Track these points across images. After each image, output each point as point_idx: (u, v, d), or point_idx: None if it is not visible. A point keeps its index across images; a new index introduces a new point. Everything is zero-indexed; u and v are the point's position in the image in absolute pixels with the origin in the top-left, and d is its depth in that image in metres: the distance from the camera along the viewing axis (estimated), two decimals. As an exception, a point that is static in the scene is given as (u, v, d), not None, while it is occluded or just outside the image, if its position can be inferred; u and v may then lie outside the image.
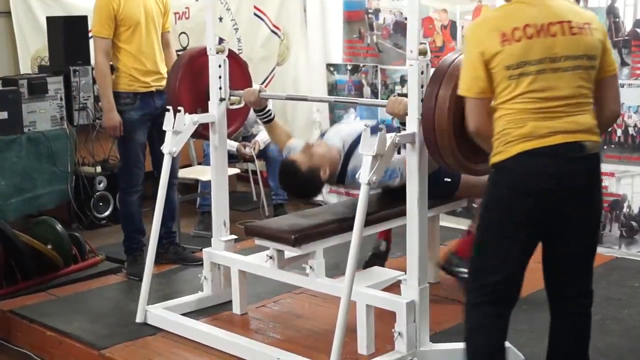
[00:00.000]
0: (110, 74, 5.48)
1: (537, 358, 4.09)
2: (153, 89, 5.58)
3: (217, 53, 4.85)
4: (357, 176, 3.82)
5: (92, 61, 6.89)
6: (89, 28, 6.99)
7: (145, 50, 5.54)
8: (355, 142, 4.38)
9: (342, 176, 4.48)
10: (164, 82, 5.57)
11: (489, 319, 3.40)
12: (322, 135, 4.79)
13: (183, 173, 6.64)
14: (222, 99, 4.88)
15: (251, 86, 4.96)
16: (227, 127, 5.04)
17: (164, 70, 5.64)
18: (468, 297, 3.46)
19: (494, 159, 3.29)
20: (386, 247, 5.24)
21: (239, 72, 5.13)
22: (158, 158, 5.17)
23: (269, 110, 4.83)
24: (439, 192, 4.59)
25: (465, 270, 4.67)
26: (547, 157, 3.18)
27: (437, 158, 3.85)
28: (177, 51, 6.11)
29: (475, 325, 3.43)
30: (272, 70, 7.96)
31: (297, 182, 4.44)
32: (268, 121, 4.85)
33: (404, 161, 4.18)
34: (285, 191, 4.55)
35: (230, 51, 5.03)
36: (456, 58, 3.76)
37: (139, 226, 5.72)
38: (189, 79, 4.96)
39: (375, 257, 5.21)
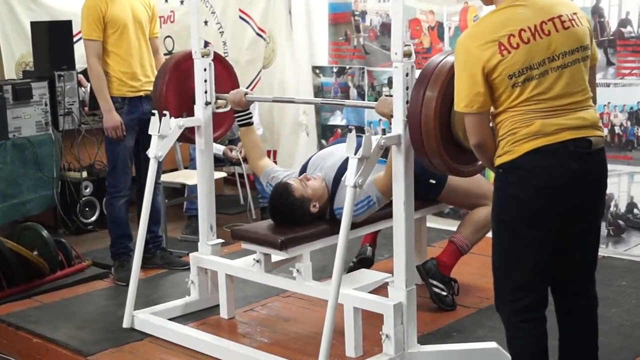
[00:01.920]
0: (104, 75, 5.46)
1: (525, 359, 4.09)
2: (142, 93, 5.57)
3: (203, 57, 4.84)
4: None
5: (77, 65, 6.91)
6: (74, 32, 7.00)
7: (134, 54, 5.53)
8: (339, 174, 4.36)
9: (332, 213, 4.45)
10: (146, 73, 5.61)
11: (525, 327, 3.37)
12: (304, 166, 4.69)
13: (169, 177, 6.63)
14: (207, 103, 4.87)
15: (237, 87, 4.98)
16: (215, 130, 5.03)
17: (153, 75, 5.62)
18: (497, 307, 3.45)
19: (501, 159, 3.27)
20: (372, 253, 5.21)
21: (225, 74, 5.12)
22: (142, 163, 5.14)
23: (250, 113, 4.82)
24: (423, 194, 4.59)
25: (437, 284, 4.73)
26: (557, 153, 3.19)
27: (424, 159, 3.84)
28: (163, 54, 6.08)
29: (512, 335, 3.42)
30: (258, 73, 7.94)
31: (286, 206, 4.38)
32: (246, 124, 4.83)
33: (376, 182, 4.18)
34: (271, 214, 4.47)
35: (216, 54, 5.03)
36: (442, 60, 3.75)
37: (125, 231, 5.70)
38: (175, 83, 4.94)
39: (360, 263, 5.15)
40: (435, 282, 4.75)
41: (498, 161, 3.29)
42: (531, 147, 3.19)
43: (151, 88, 5.49)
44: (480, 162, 3.89)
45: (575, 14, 3.28)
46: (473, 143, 3.34)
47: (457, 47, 3.29)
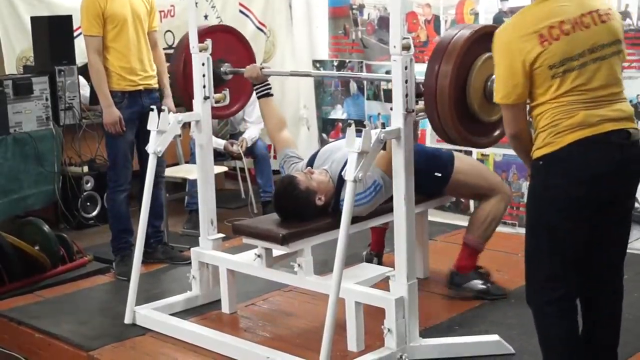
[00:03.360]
0: (104, 71, 5.46)
1: (527, 352, 4.10)
2: (141, 87, 5.56)
3: (200, 51, 4.83)
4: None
5: (78, 60, 6.90)
6: (74, 27, 6.99)
7: (133, 49, 5.53)
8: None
9: (337, 205, 4.44)
10: (152, 81, 5.62)
11: (558, 316, 3.40)
12: (311, 159, 4.70)
13: (170, 172, 6.62)
14: (206, 97, 4.87)
15: (254, 62, 5.03)
16: (234, 103, 5.15)
17: (151, 69, 5.63)
18: (530, 296, 3.46)
19: (542, 150, 3.29)
20: (377, 263, 5.19)
21: (242, 49, 5.21)
22: (144, 157, 5.14)
23: (268, 84, 4.85)
24: (429, 187, 4.59)
25: (471, 286, 4.78)
26: (600, 144, 3.23)
27: (441, 133, 3.90)
28: (163, 49, 6.07)
29: (544, 326, 3.45)
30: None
31: (291, 199, 4.37)
32: (265, 95, 4.85)
33: (376, 163, 4.13)
34: (277, 207, 4.47)
35: (232, 28, 5.23)
36: (456, 34, 3.82)
37: (126, 225, 5.70)
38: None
39: None
40: (469, 286, 4.79)
41: (538, 153, 3.31)
42: (575, 139, 3.23)
43: (151, 82, 5.54)
44: (496, 134, 4.03)
45: (610, 9, 3.35)
46: (510, 133, 3.39)
47: (495, 39, 3.35)
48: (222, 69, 5.03)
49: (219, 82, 5.01)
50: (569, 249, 3.35)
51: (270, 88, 4.87)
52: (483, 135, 4.03)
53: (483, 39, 3.83)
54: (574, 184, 3.26)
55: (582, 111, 3.22)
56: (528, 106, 3.37)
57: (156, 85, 5.68)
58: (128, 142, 5.59)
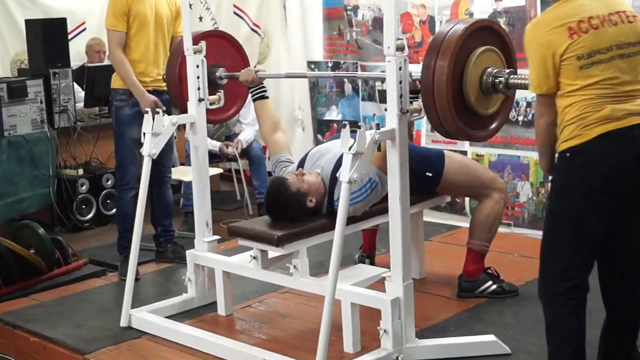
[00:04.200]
0: (127, 61, 5.43)
1: (523, 351, 4.10)
2: (150, 87, 5.52)
3: (195, 53, 4.83)
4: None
5: (72, 63, 6.89)
6: (69, 30, 7.00)
7: (150, 50, 5.51)
8: (336, 170, 4.30)
9: (331, 205, 4.44)
10: (163, 83, 5.55)
11: (570, 305, 3.45)
12: (302, 161, 4.70)
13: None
14: (200, 99, 4.87)
15: (248, 66, 5.04)
16: (230, 106, 5.16)
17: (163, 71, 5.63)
18: (544, 289, 3.51)
19: (569, 143, 3.36)
20: (370, 264, 5.20)
21: (236, 54, 5.21)
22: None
23: (264, 86, 4.86)
24: (421, 187, 4.59)
25: (483, 288, 4.78)
26: (626, 138, 3.32)
27: (439, 128, 3.91)
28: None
29: (556, 316, 3.48)
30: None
31: (282, 200, 4.37)
32: (260, 97, 4.85)
33: (371, 160, 4.14)
34: (268, 208, 4.48)
35: (225, 34, 5.21)
36: (450, 29, 3.83)
37: (132, 225, 5.67)
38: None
39: None
40: (481, 290, 4.79)
41: (565, 145, 3.38)
42: (602, 131, 3.30)
43: (161, 84, 5.51)
44: (493, 126, 4.07)
45: (634, 14, 3.46)
46: (544, 123, 3.46)
47: (526, 34, 3.45)
48: (217, 73, 5.02)
49: (214, 87, 5.00)
50: (589, 240, 3.43)
51: (265, 90, 4.88)
52: (481, 128, 4.06)
53: (477, 33, 3.87)
54: (599, 176, 3.34)
55: (609, 105, 3.31)
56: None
57: (162, 85, 5.66)
58: (134, 140, 5.55)
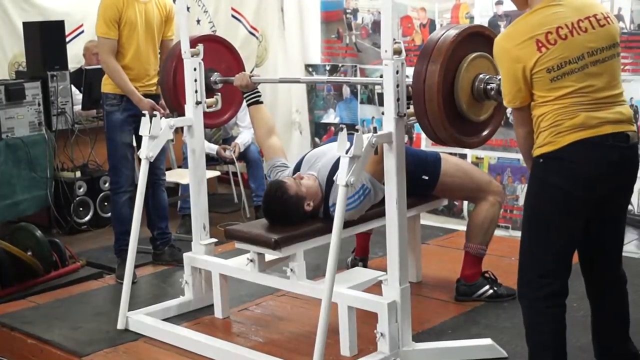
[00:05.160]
0: (121, 69, 5.41)
1: (519, 355, 4.09)
2: (140, 92, 5.53)
3: (192, 56, 4.83)
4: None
5: (70, 65, 6.89)
6: (67, 32, 7.00)
7: (139, 56, 5.50)
8: (332, 174, 4.31)
9: (327, 209, 4.45)
10: (152, 87, 5.61)
11: (548, 312, 3.46)
12: (298, 164, 4.70)
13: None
14: (198, 102, 4.87)
15: (243, 71, 5.04)
16: (225, 110, 5.16)
17: (155, 76, 5.63)
18: (522, 293, 3.52)
19: (543, 149, 3.36)
20: (363, 267, 5.20)
21: (231, 58, 5.21)
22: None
23: (258, 91, 4.86)
24: (417, 191, 4.59)
25: (482, 291, 4.80)
26: (599, 146, 3.31)
27: (430, 134, 3.91)
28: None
29: (534, 321, 3.49)
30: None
31: (280, 204, 4.38)
32: (255, 102, 4.85)
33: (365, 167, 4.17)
34: (265, 212, 4.49)
35: (220, 38, 5.22)
36: (442, 35, 3.83)
37: (128, 228, 5.64)
38: (182, 70, 4.94)
39: None
40: (478, 294, 4.80)
41: (539, 151, 3.38)
42: (574, 139, 3.30)
43: (151, 88, 5.55)
44: (485, 133, 4.08)
45: (608, 14, 3.42)
46: (522, 133, 3.48)
47: (495, 48, 3.42)
48: (211, 78, 5.02)
49: (209, 92, 5.00)
50: (563, 245, 3.43)
51: (259, 95, 4.87)
52: (473, 135, 4.05)
53: (469, 39, 3.87)
54: (572, 182, 3.33)
55: (583, 113, 3.29)
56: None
57: (157, 92, 5.66)
58: (126, 144, 5.58)
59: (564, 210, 3.37)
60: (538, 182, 3.44)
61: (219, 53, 5.16)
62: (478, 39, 3.94)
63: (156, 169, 5.66)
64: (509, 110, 4.29)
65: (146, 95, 5.51)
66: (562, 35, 3.28)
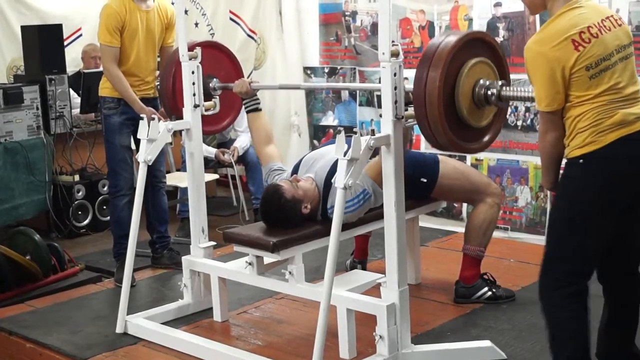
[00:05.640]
0: (123, 77, 5.41)
1: (519, 357, 4.10)
2: (138, 95, 5.53)
3: (190, 59, 4.83)
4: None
5: (68, 69, 6.89)
6: (65, 36, 7.00)
7: (139, 62, 5.51)
8: (330, 176, 4.31)
9: (325, 211, 4.45)
10: (150, 91, 5.61)
11: (573, 314, 3.47)
12: (296, 167, 4.71)
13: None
14: (196, 106, 4.86)
15: (242, 77, 5.05)
16: (224, 117, 5.20)
17: (153, 81, 5.65)
18: (546, 292, 3.52)
19: (584, 149, 3.36)
20: (362, 269, 5.19)
21: (230, 65, 5.22)
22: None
23: (257, 98, 4.86)
24: (416, 192, 4.59)
25: (479, 294, 4.80)
26: (637, 142, 3.35)
27: (431, 139, 3.90)
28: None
29: (565, 316, 3.48)
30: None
31: (278, 208, 4.38)
32: (255, 109, 4.85)
33: (367, 171, 4.20)
34: (263, 216, 4.49)
35: (219, 45, 5.23)
36: (442, 41, 3.82)
37: (127, 231, 5.65)
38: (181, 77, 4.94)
39: None
40: (477, 296, 4.81)
41: (578, 152, 3.38)
42: (617, 137, 3.34)
43: (149, 92, 5.55)
44: (485, 139, 4.06)
45: (618, 16, 3.51)
46: (552, 138, 3.47)
47: (528, 53, 3.42)
48: (211, 84, 5.03)
49: (208, 98, 5.01)
50: (595, 248, 3.45)
51: (259, 103, 4.87)
52: (473, 141, 4.04)
53: (469, 45, 3.86)
54: (616, 180, 3.37)
55: (620, 110, 3.34)
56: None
57: (154, 95, 5.66)
58: (124, 147, 5.58)
59: (604, 209, 3.39)
60: (575, 184, 3.44)
61: (218, 59, 5.16)
62: (478, 44, 3.94)
63: (156, 171, 5.67)
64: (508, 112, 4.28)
65: (144, 99, 5.51)
66: (594, 33, 3.35)
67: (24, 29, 6.90)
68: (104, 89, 5.56)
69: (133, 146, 5.67)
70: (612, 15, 3.46)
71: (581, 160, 3.38)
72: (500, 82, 3.88)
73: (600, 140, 3.34)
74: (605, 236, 3.44)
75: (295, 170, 4.64)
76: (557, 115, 3.42)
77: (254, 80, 4.93)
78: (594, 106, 3.34)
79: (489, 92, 3.85)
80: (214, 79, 5.05)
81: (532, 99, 3.69)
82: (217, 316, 4.79)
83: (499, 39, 6.01)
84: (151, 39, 5.55)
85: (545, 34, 3.42)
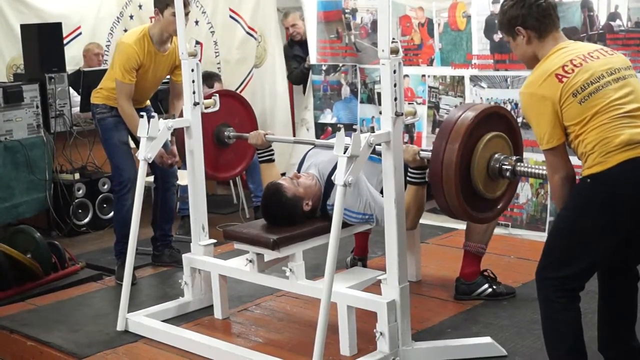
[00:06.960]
0: (136, 115, 5.34)
1: (519, 353, 4.10)
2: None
3: (190, 57, 4.83)
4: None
5: (68, 67, 6.89)
6: (64, 35, 7.00)
7: (143, 91, 5.60)
8: (333, 172, 4.32)
9: (324, 208, 4.45)
10: (144, 103, 5.70)
11: (565, 306, 3.48)
12: (301, 162, 4.73)
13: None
14: (196, 103, 4.87)
15: (256, 128, 5.16)
16: (235, 165, 5.41)
17: (147, 102, 5.78)
18: (545, 289, 3.51)
19: (592, 169, 3.36)
20: (362, 266, 5.22)
21: (245, 115, 5.34)
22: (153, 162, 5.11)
23: (272, 150, 4.88)
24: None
25: (480, 291, 4.81)
26: None
27: (446, 209, 4.03)
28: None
29: (552, 313, 3.50)
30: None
31: (279, 206, 4.39)
32: (268, 160, 4.86)
33: (375, 198, 4.27)
34: (264, 214, 4.49)
35: (235, 93, 5.48)
36: (461, 114, 3.96)
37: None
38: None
39: None
40: (477, 293, 4.82)
41: (587, 172, 3.39)
42: (625, 158, 3.31)
43: (140, 105, 5.62)
44: (499, 207, 4.22)
45: (610, 49, 3.57)
46: (562, 176, 3.47)
47: (521, 98, 3.52)
48: (225, 133, 5.14)
49: (222, 146, 5.20)
50: (593, 262, 3.46)
51: (273, 154, 4.89)
52: (488, 210, 4.18)
53: (486, 119, 4.01)
54: (621, 201, 3.34)
55: (627, 129, 3.32)
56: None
57: (147, 105, 5.74)
58: (123, 142, 5.60)
59: (601, 230, 3.39)
60: (580, 200, 3.43)
61: (233, 108, 5.28)
62: (493, 118, 4.09)
63: (170, 175, 5.75)
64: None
65: (138, 109, 5.54)
66: (577, 64, 3.41)
67: (24, 27, 6.90)
68: (97, 97, 5.61)
69: (132, 145, 5.69)
70: (601, 48, 3.52)
71: (589, 180, 3.39)
72: (515, 158, 4.01)
73: (608, 162, 3.33)
74: (606, 254, 3.44)
75: (300, 165, 4.66)
76: (559, 153, 3.44)
77: (269, 132, 4.96)
78: (596, 125, 3.35)
79: (504, 167, 3.99)
80: (229, 128, 5.15)
81: (545, 177, 3.79)
82: (217, 313, 4.80)
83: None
84: (159, 77, 5.66)
85: (533, 76, 3.50)
